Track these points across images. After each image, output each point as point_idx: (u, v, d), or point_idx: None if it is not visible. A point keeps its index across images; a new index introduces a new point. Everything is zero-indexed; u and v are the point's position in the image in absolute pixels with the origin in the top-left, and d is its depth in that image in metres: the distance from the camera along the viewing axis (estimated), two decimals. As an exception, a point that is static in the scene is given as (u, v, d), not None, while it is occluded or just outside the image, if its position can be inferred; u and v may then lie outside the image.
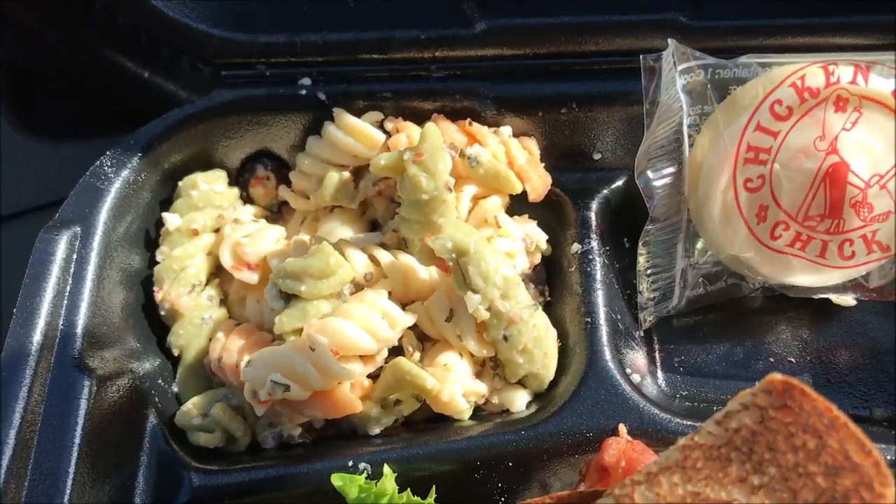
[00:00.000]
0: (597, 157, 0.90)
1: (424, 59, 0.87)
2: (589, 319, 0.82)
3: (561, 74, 0.87)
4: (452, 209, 0.79)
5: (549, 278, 0.88)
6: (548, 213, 0.89)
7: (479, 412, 0.82)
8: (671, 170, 0.84)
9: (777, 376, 0.58)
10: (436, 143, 0.76)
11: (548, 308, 0.86)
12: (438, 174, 0.77)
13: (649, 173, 0.83)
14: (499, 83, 0.87)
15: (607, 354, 0.80)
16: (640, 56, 0.78)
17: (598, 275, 0.84)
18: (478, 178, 0.83)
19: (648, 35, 0.84)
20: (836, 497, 0.54)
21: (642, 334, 0.89)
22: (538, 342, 0.79)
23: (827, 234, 0.82)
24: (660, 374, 0.89)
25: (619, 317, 0.85)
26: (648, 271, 0.87)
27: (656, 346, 0.90)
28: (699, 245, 0.89)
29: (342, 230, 0.86)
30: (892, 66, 0.80)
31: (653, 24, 0.85)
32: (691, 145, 0.83)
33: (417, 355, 0.79)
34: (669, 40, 0.79)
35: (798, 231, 0.83)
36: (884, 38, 0.86)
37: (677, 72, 0.80)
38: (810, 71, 0.78)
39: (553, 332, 0.82)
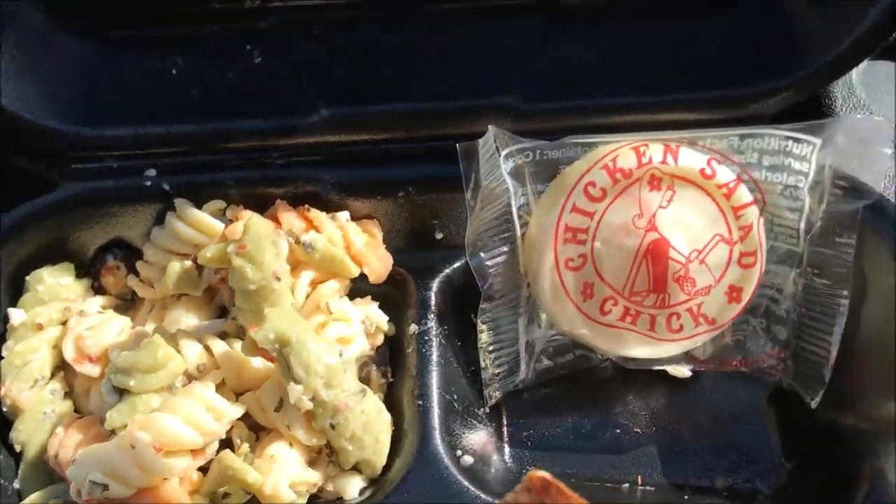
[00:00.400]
0: (439, 236, 0.92)
1: (267, 147, 0.89)
2: (421, 402, 0.83)
3: (398, 159, 0.89)
4: (285, 297, 0.81)
5: (392, 359, 0.89)
6: (392, 292, 0.91)
7: (315, 500, 0.82)
8: (504, 249, 0.86)
9: (536, 473, 0.59)
10: (260, 234, 0.78)
11: (390, 389, 0.88)
12: (265, 264, 0.78)
13: (482, 254, 0.85)
14: (339, 169, 0.89)
15: (437, 437, 0.81)
16: (456, 144, 0.81)
17: (434, 356, 0.86)
18: (315, 264, 0.85)
19: (483, 119, 0.87)
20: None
21: (488, 411, 0.90)
22: (368, 428, 0.80)
23: (654, 308, 0.85)
24: (507, 450, 0.90)
25: (456, 397, 0.86)
26: (491, 347, 0.89)
27: (504, 422, 0.92)
28: (544, 318, 0.91)
29: (188, 318, 0.87)
30: (703, 144, 0.83)
31: (487, 109, 0.88)
32: (525, 224, 0.86)
33: (246, 447, 0.80)
34: (490, 127, 0.81)
35: (626, 306, 0.85)
36: (709, 113, 0.89)
37: (501, 156, 0.83)
38: (622, 153, 0.80)
39: (386, 417, 0.83)
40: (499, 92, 0.88)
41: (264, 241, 0.78)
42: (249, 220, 0.78)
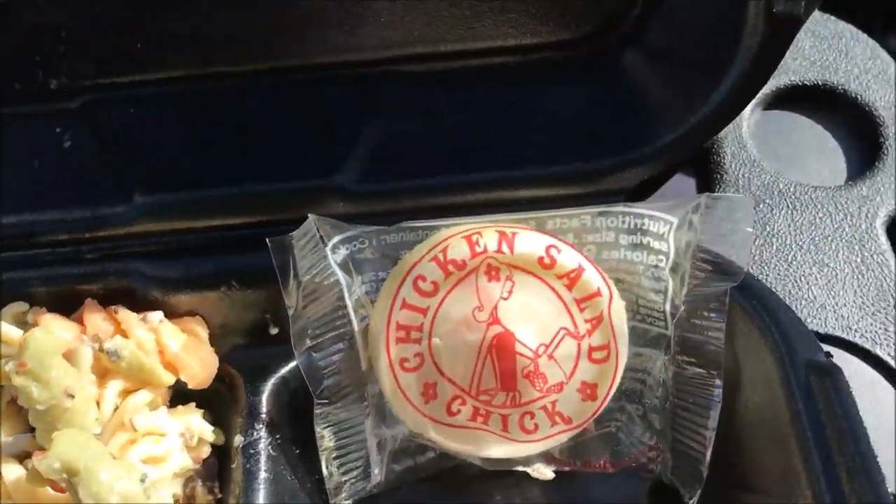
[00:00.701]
0: (274, 331, 0.84)
1: (77, 240, 0.81)
2: (244, 525, 0.74)
3: (220, 249, 0.81)
4: (84, 414, 0.73)
5: (221, 472, 0.81)
6: (223, 394, 0.82)
7: None
8: (340, 346, 0.77)
9: None
10: (42, 349, 0.70)
11: (219, 507, 0.79)
12: (52, 382, 0.70)
13: (314, 354, 0.77)
14: (156, 262, 0.81)
15: (261, 567, 0.73)
16: (266, 238, 0.73)
17: (262, 472, 0.77)
18: (123, 373, 0.77)
19: (312, 202, 0.79)
20: None
21: (335, 523, 0.82)
22: (180, 559, 0.71)
23: (504, 407, 0.76)
24: (357, 565, 0.82)
25: (291, 512, 0.77)
26: (335, 453, 0.80)
27: (357, 533, 0.83)
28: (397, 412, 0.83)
29: (-8, 433, 0.78)
30: (552, 225, 0.75)
31: (315, 191, 0.80)
32: (366, 318, 0.78)
33: (39, 588, 0.71)
34: (309, 216, 0.74)
35: (475, 406, 0.76)
36: (563, 188, 0.81)
37: (328, 247, 0.75)
38: (453, 242, 0.73)
39: (205, 543, 0.74)
40: (329, 172, 0.80)
41: (49, 356, 0.70)
42: (29, 336, 0.70)
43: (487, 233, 0.73)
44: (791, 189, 1.01)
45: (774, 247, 0.97)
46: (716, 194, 0.74)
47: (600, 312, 0.74)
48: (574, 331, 0.74)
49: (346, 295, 0.76)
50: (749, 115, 1.07)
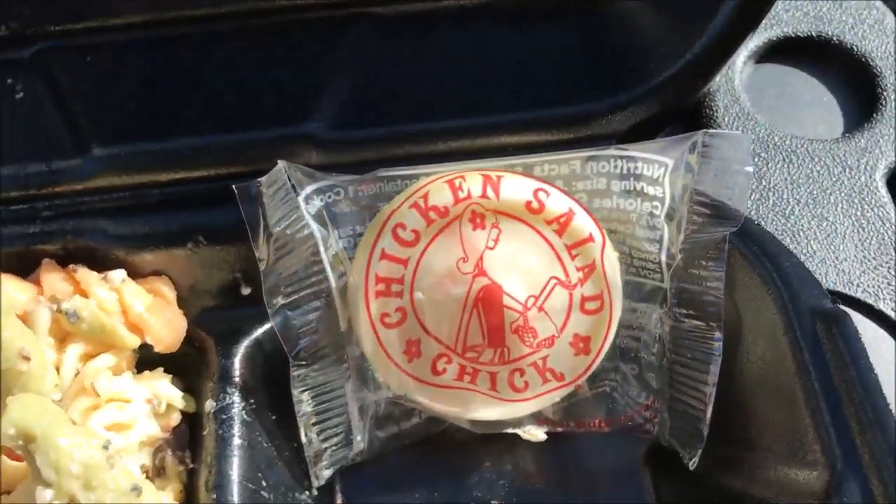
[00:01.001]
0: (246, 291, 0.79)
1: (31, 196, 0.76)
2: (216, 495, 0.69)
3: (185, 204, 0.76)
4: (41, 380, 0.67)
5: (193, 440, 0.76)
6: (193, 359, 0.77)
7: None
8: (317, 304, 0.73)
9: None
10: (-7, 307, 0.64)
11: (192, 477, 0.74)
12: (5, 343, 0.65)
13: (288, 312, 0.72)
14: (116, 219, 0.75)
15: (235, 537, 0.68)
16: (233, 186, 0.68)
17: (236, 439, 0.72)
18: (84, 336, 0.71)
19: (282, 152, 0.73)
20: None
21: (315, 493, 0.77)
22: (147, 532, 0.66)
23: (493, 365, 0.72)
24: (340, 537, 0.77)
25: (266, 484, 0.72)
26: (314, 419, 0.76)
27: (339, 503, 0.79)
28: (380, 376, 0.78)
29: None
30: (540, 171, 0.71)
31: (286, 140, 0.75)
32: (344, 275, 0.73)
33: (-5, 565, 0.66)
34: (279, 162, 0.69)
35: (461, 364, 0.72)
36: (549, 134, 0.77)
37: (301, 197, 0.70)
38: (434, 188, 0.68)
39: (175, 515, 0.69)
40: (299, 120, 0.75)
41: (1, 315, 0.65)
42: (-23, 292, 0.65)
43: (471, 177, 0.68)
44: (787, 142, 0.97)
45: (771, 201, 0.93)
46: (714, 130, 0.70)
47: (593, 260, 0.69)
48: (565, 280, 0.69)
49: (322, 249, 0.71)
50: (741, 68, 1.02)
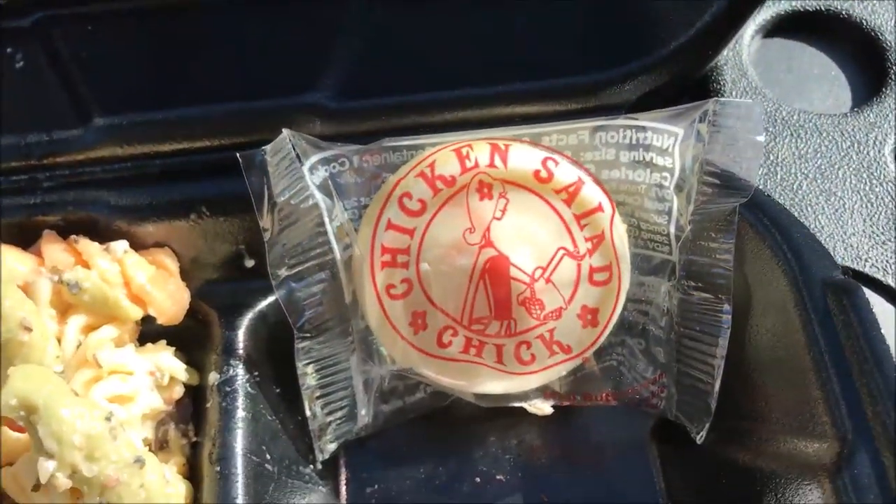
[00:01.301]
0: (250, 264, 0.78)
1: (32, 167, 0.74)
2: (219, 468, 0.68)
3: (187, 175, 0.75)
4: (42, 351, 0.67)
5: (196, 413, 0.75)
6: (197, 332, 0.76)
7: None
8: (322, 276, 0.72)
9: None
10: (-6, 276, 0.64)
11: (196, 451, 0.73)
12: (6, 313, 0.64)
13: (292, 284, 0.71)
14: (118, 189, 0.74)
15: (239, 510, 0.67)
16: (237, 154, 0.67)
17: (240, 411, 0.71)
18: (86, 307, 0.70)
19: (286, 122, 0.72)
20: None
21: (319, 467, 0.76)
22: (150, 505, 0.65)
23: (499, 337, 0.71)
24: (345, 510, 0.77)
25: (270, 457, 0.72)
26: (318, 392, 0.75)
27: (343, 478, 0.78)
28: (385, 350, 0.77)
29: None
30: (548, 141, 0.69)
31: (289, 110, 0.73)
32: (350, 246, 0.72)
33: (-2, 536, 0.65)
34: (284, 131, 0.67)
35: (468, 336, 0.71)
36: (556, 104, 0.76)
37: (305, 167, 0.69)
38: (441, 156, 0.67)
39: (178, 489, 0.68)
40: (303, 89, 0.73)
41: (2, 285, 0.64)
42: (-21, 262, 0.64)
43: (479, 146, 0.67)
44: (794, 117, 0.95)
45: (779, 176, 0.92)
46: (725, 99, 0.69)
47: (602, 230, 0.69)
48: (574, 251, 0.69)
49: (327, 220, 0.70)
50: (749, 43, 1.01)
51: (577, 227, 0.68)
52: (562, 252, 0.68)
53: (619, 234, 0.70)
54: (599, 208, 0.68)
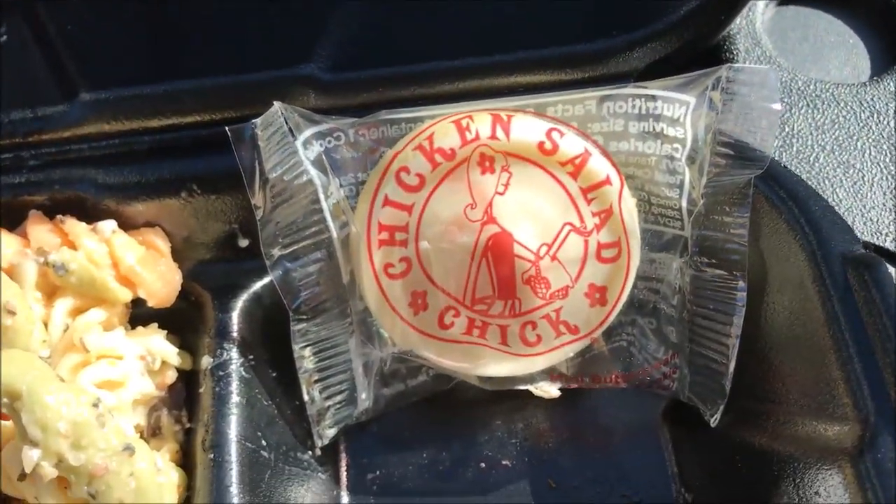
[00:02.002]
0: (244, 243, 0.75)
1: (17, 145, 0.72)
2: (213, 455, 0.66)
3: (177, 151, 0.72)
4: (27, 335, 0.64)
5: (189, 399, 0.72)
6: (190, 315, 0.74)
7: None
8: (318, 255, 0.69)
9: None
10: (-25, 260, 0.61)
11: (189, 437, 0.71)
12: (-13, 297, 0.61)
13: (287, 263, 0.69)
14: (106, 167, 0.71)
15: (232, 497, 0.65)
16: (226, 127, 0.63)
17: (234, 396, 0.69)
18: (73, 289, 0.68)
19: (279, 95, 0.69)
20: None
21: (318, 453, 0.74)
22: (141, 494, 0.63)
23: (503, 318, 0.68)
24: (345, 498, 0.74)
25: (266, 443, 0.69)
26: (316, 376, 0.72)
27: (343, 464, 0.76)
28: (386, 334, 0.74)
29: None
30: (553, 112, 0.66)
31: (282, 82, 0.70)
32: (347, 225, 0.69)
33: (-16, 527, 0.63)
34: (275, 103, 0.64)
35: (470, 317, 0.68)
36: (562, 73, 0.72)
37: (299, 142, 0.66)
38: (440, 129, 0.64)
39: (171, 477, 0.66)
40: (297, 61, 0.70)
41: (-17, 267, 0.61)
42: (-41, 245, 0.61)
43: (480, 117, 0.64)
44: (811, 87, 0.92)
45: (795, 148, 0.88)
46: (739, 65, 0.65)
47: (609, 205, 0.65)
48: (580, 226, 0.65)
49: (322, 197, 0.68)
50: (763, 10, 0.97)
51: (583, 201, 0.65)
52: (568, 228, 0.65)
53: (629, 209, 0.67)
54: (607, 181, 0.65)
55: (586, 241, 0.66)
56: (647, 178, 0.70)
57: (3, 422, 0.66)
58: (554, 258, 0.66)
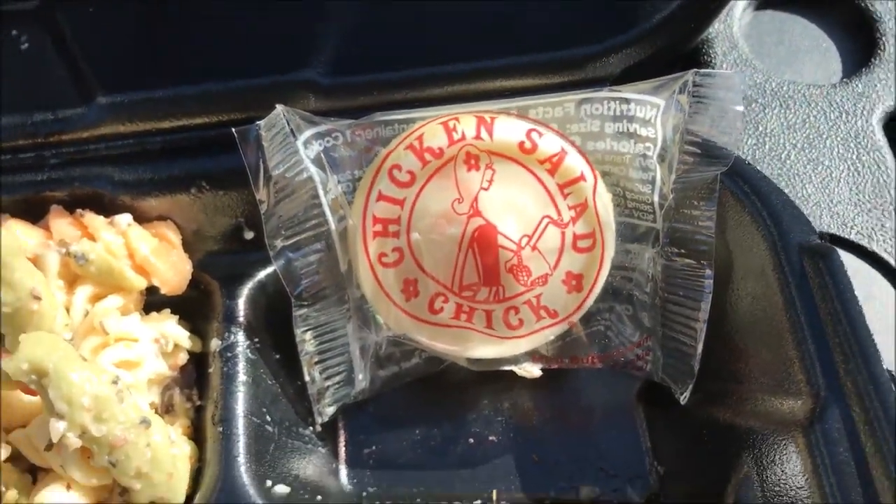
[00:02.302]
0: (249, 236, 0.81)
1: (39, 145, 0.78)
2: (222, 428, 0.72)
3: (187, 151, 0.78)
4: (51, 319, 0.70)
5: (199, 379, 0.78)
6: (199, 302, 0.80)
7: (111, 545, 0.72)
8: (318, 246, 0.75)
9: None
10: (6, 250, 0.67)
11: (200, 414, 0.77)
12: (16, 283, 0.67)
13: (290, 254, 0.74)
14: (121, 165, 0.77)
15: (240, 467, 0.71)
16: (233, 129, 0.69)
17: (241, 375, 0.75)
18: (92, 278, 0.74)
19: (281, 99, 0.75)
20: None
21: (318, 429, 0.80)
22: (157, 464, 0.69)
23: (488, 303, 0.74)
24: (344, 472, 0.80)
25: (271, 419, 0.75)
26: (317, 358, 0.78)
27: (341, 440, 0.82)
28: (381, 318, 0.80)
29: (-40, 349, 0.75)
30: (534, 114, 0.72)
31: (283, 86, 0.76)
32: (344, 218, 0.75)
33: (14, 494, 0.69)
34: (277, 106, 0.70)
35: (458, 303, 0.74)
36: (543, 78, 0.78)
37: (300, 142, 0.72)
38: (429, 129, 0.69)
39: (183, 450, 0.72)
40: (297, 66, 0.76)
41: (13, 257, 0.67)
42: (-9, 235, 0.67)
43: (465, 119, 0.69)
44: (784, 88, 0.97)
45: (767, 146, 0.94)
46: (704, 70, 0.71)
47: (584, 199, 0.71)
48: (558, 219, 0.71)
49: (321, 192, 0.73)
50: (741, 15, 1.02)
51: (560, 196, 0.71)
52: (546, 220, 0.71)
53: (603, 203, 0.72)
54: (582, 177, 0.70)
55: (563, 233, 0.72)
56: (622, 174, 0.75)
57: (27, 396, 0.72)
58: (534, 248, 0.72)
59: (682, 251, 0.75)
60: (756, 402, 0.72)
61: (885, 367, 0.64)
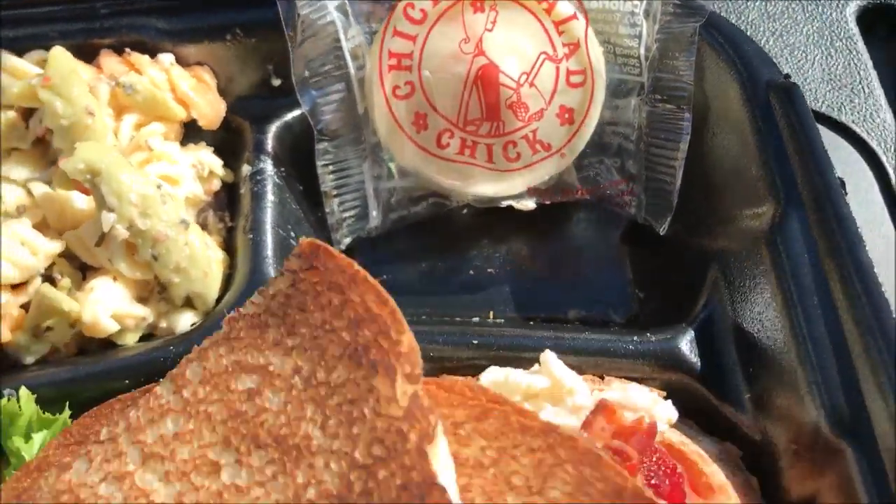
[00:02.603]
0: (276, 82, 0.90)
1: (90, -5, 0.87)
2: (252, 236, 0.81)
3: (224, 4, 0.87)
4: (102, 135, 0.79)
5: (230, 204, 0.87)
6: (230, 140, 0.89)
7: (152, 338, 0.80)
8: (338, 87, 0.84)
9: (306, 239, 0.58)
10: (64, 66, 0.76)
11: (230, 234, 0.86)
12: (73, 98, 0.77)
13: (313, 92, 0.84)
14: (164, 15, 0.87)
15: (269, 266, 0.80)
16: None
17: (269, 195, 0.84)
18: (138, 107, 0.83)
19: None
20: (359, 349, 0.54)
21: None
22: (194, 261, 0.78)
23: (489, 137, 0.83)
24: (357, 295, 0.88)
25: (295, 235, 0.84)
26: (336, 191, 0.87)
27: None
28: (393, 167, 0.89)
29: (19, 171, 0.84)
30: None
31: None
32: (363, 66, 0.84)
33: (67, 282, 0.78)
34: (303, -48, 0.80)
35: (462, 137, 0.83)
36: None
37: (326, -13, 0.81)
38: (439, -29, 0.79)
39: (217, 254, 0.81)
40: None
41: (70, 73, 0.76)
42: (52, 53, 0.76)
43: (471, -37, 0.78)
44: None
45: (748, 34, 1.03)
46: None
47: (577, 39, 0.80)
48: (553, 54, 0.80)
49: (342, 37, 0.82)
50: None
51: (556, 33, 0.80)
52: (543, 56, 0.80)
53: (595, 51, 0.81)
54: (574, 17, 0.80)
55: (558, 68, 0.80)
56: (612, 31, 0.84)
57: (78, 203, 0.80)
58: (532, 84, 0.81)
59: (664, 97, 0.84)
60: (726, 225, 0.81)
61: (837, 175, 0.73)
